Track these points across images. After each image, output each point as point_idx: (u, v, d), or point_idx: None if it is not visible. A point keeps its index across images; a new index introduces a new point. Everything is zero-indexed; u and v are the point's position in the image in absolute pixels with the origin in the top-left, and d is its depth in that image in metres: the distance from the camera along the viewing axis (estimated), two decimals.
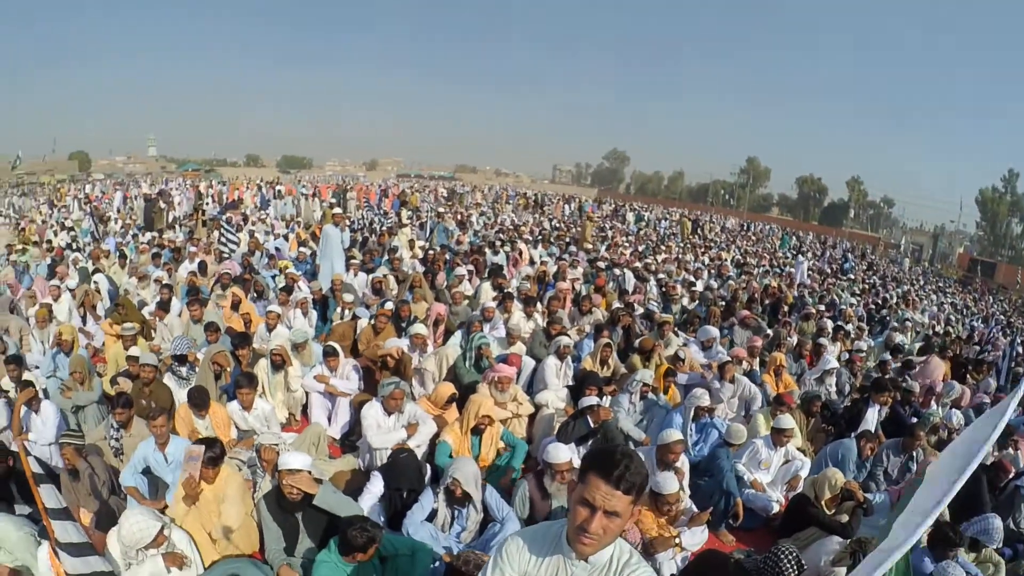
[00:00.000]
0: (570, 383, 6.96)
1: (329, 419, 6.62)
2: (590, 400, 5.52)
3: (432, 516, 4.37)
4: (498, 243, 14.62)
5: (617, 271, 13.17)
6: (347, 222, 15.73)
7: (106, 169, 79.08)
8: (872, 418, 6.96)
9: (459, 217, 22.71)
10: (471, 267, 11.74)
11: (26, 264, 13.55)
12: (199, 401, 5.56)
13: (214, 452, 4.26)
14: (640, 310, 10.04)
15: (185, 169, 68.29)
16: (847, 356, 9.45)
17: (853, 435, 6.13)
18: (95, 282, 10.83)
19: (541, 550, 2.00)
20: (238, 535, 4.21)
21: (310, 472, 3.99)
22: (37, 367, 7.61)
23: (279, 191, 26.34)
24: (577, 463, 5.51)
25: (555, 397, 6.50)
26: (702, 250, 22.44)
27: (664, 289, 11.92)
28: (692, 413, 5.91)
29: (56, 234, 18.80)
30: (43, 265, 13.31)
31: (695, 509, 4.92)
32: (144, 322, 8.81)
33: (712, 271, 16.45)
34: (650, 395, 6.43)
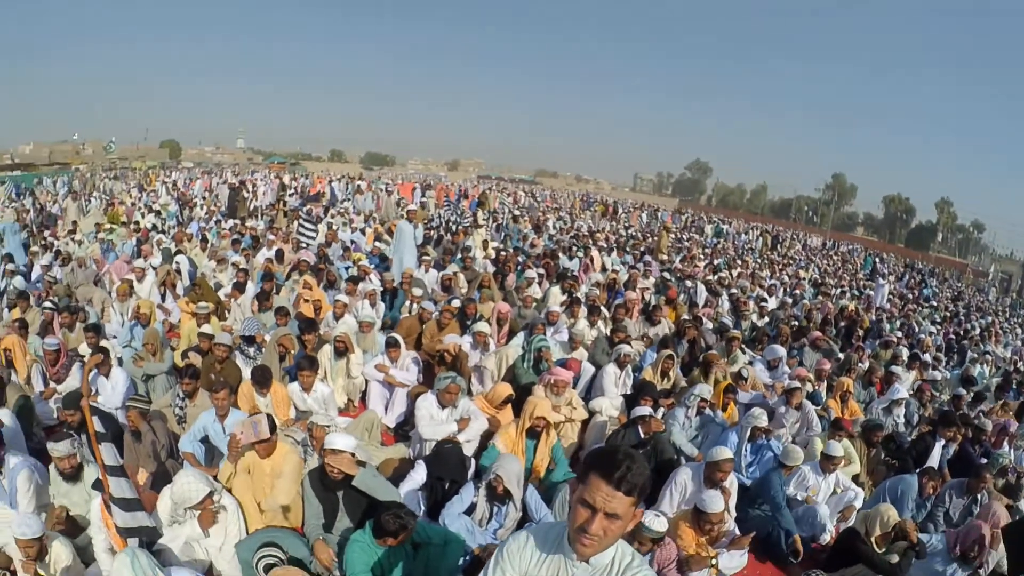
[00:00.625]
0: (628, 392, 7.02)
1: (386, 408, 6.88)
2: (643, 410, 5.58)
3: (471, 510, 4.47)
4: (572, 248, 14.71)
5: (689, 283, 13.26)
6: (427, 218, 16.26)
7: (195, 158, 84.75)
8: (937, 454, 6.66)
9: (535, 221, 22.96)
10: (542, 271, 11.92)
11: (112, 242, 14.57)
12: (261, 379, 5.90)
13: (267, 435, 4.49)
14: (709, 324, 10.03)
15: (271, 162, 72.09)
16: (918, 385, 9.04)
17: (916, 471, 5.96)
18: (176, 263, 11.61)
19: (543, 550, 2.05)
20: (286, 510, 4.47)
21: (353, 454, 4.16)
22: (115, 336, 8.29)
23: (360, 187, 27.34)
24: None
25: (610, 405, 6.58)
26: (779, 267, 22.59)
27: (735, 304, 11.89)
28: (748, 433, 5.86)
29: (143, 216, 20.24)
30: (129, 244, 14.36)
31: (737, 532, 4.84)
32: (219, 302, 9.38)
33: (787, 289, 16.48)
34: (707, 411, 6.42)
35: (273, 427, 4.58)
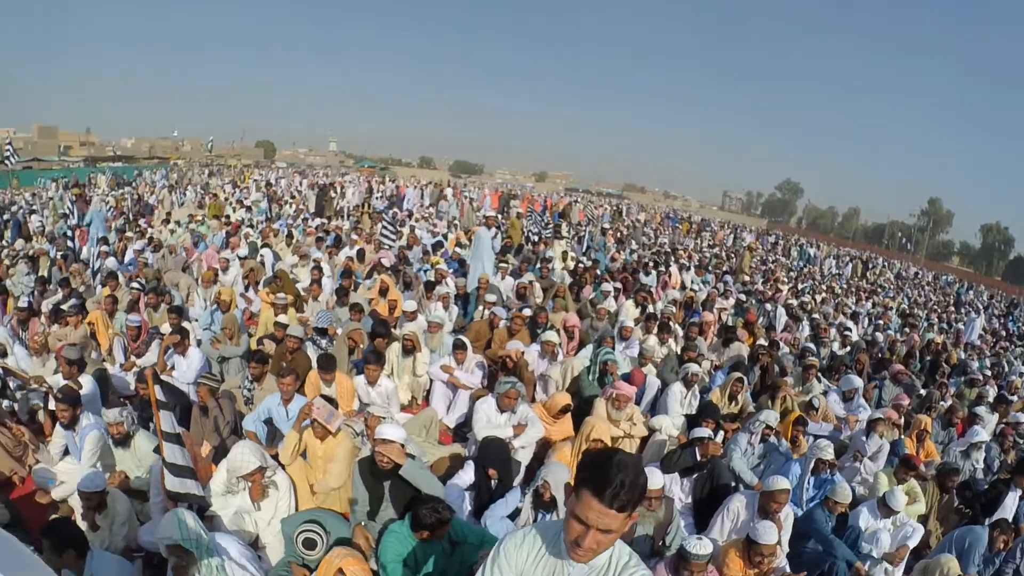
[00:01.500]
0: (692, 413, 6.92)
1: (448, 409, 7.07)
2: (701, 432, 5.51)
3: (515, 515, 4.52)
4: (652, 264, 14.70)
5: (769, 306, 13.12)
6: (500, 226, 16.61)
7: (289, 159, 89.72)
8: (1012, 505, 6.14)
9: (618, 235, 22.97)
10: (619, 285, 11.94)
11: (202, 233, 15.54)
12: (326, 365, 6.21)
13: (340, 421, 4.82)
14: (787, 350, 9.84)
15: (361, 165, 75.13)
16: (1000, 429, 8.38)
17: (987, 522, 5.66)
18: (261, 256, 12.27)
19: (539, 549, 2.08)
20: (336, 494, 4.70)
21: (403, 445, 4.29)
22: (196, 320, 8.82)
23: (445, 193, 28.03)
24: (676, 494, 5.42)
25: (670, 424, 6.53)
26: (866, 294, 22.00)
27: (815, 331, 11.62)
28: (812, 465, 5.65)
29: (235, 210, 21.41)
30: (219, 236, 15.26)
31: (787, 568, 4.63)
32: (298, 295, 9.85)
33: (872, 318, 16.20)
34: (771, 439, 6.23)
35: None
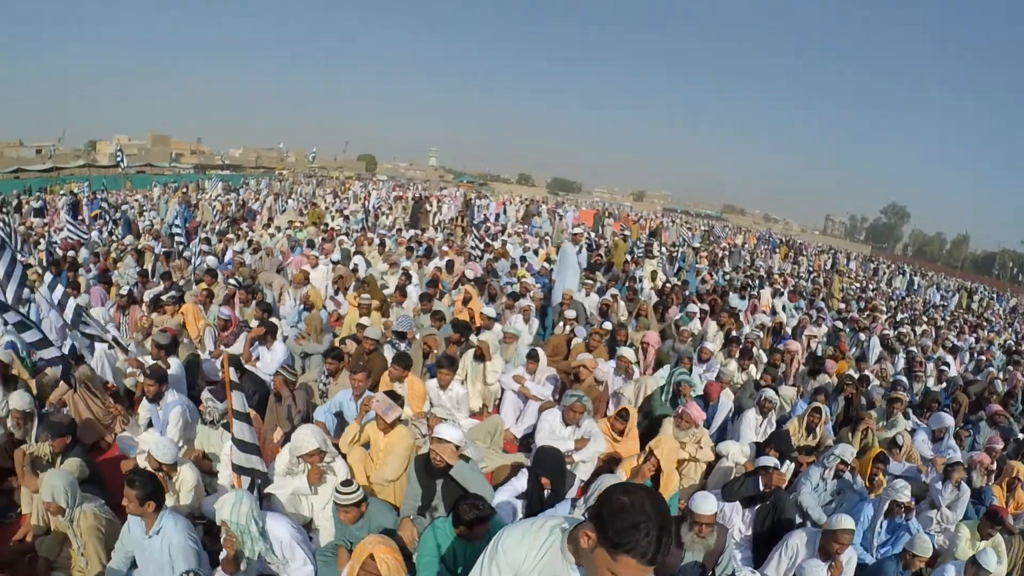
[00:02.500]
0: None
1: (518, 419, 7.20)
2: (767, 461, 5.34)
3: None
4: (745, 288, 14.52)
5: (864, 336, 12.64)
6: (586, 242, 16.83)
7: (390, 172, 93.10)
8: None
9: (713, 257, 22.71)
10: (706, 307, 11.82)
11: (299, 239, 16.47)
12: (399, 361, 6.47)
13: (398, 413, 5.05)
14: (876, 382, 9.38)
15: (460, 180, 77.01)
16: None
17: None
18: (354, 263, 12.88)
19: (539, 548, 2.14)
20: (391, 487, 4.93)
21: (458, 447, 4.46)
22: (285, 317, 9.38)
23: (539, 209, 28.54)
24: (736, 524, 5.26)
25: (738, 450, 6.38)
26: (971, 328, 20.76)
27: (910, 364, 11.04)
28: (886, 507, 5.34)
29: (333, 219, 22.49)
30: (315, 242, 16.11)
31: None
32: (384, 300, 10.30)
33: (974, 354, 15.39)
34: (846, 475, 5.96)
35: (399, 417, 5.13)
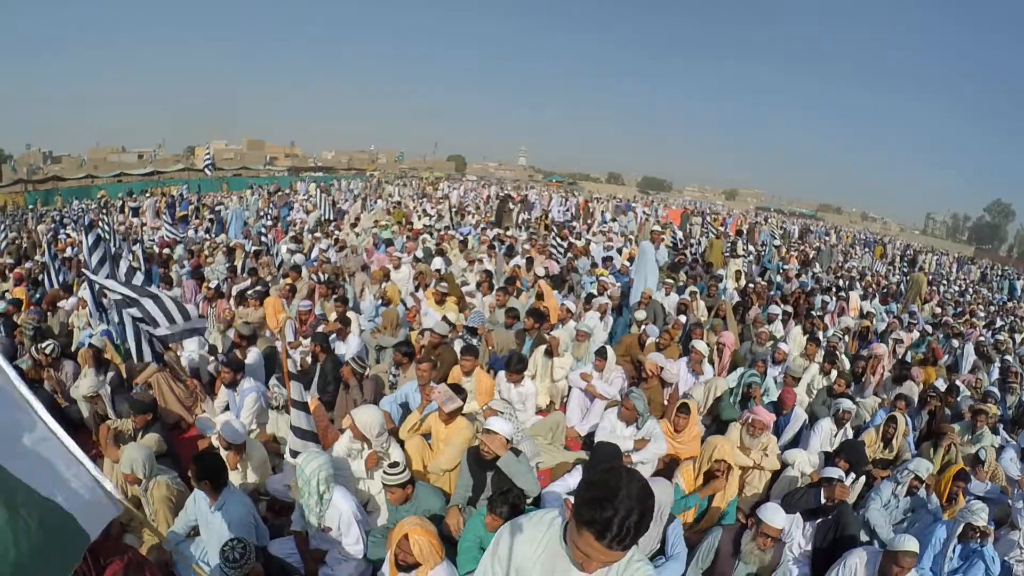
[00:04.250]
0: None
1: (584, 417, 7.27)
2: (831, 472, 5.14)
3: None
4: (834, 289, 14.02)
5: (956, 343, 12.08)
6: (666, 241, 16.66)
7: (479, 172, 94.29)
8: None
9: (803, 257, 21.93)
10: (790, 308, 11.51)
11: (383, 238, 17.04)
12: (466, 352, 6.72)
13: (457, 404, 5.26)
14: (967, 393, 8.81)
15: (550, 180, 77.29)
16: None
17: None
18: (435, 267, 13.26)
19: (537, 543, 2.19)
20: (446, 476, 5.12)
21: (509, 440, 4.60)
22: (364, 312, 9.77)
23: (625, 208, 28.39)
24: (796, 538, 5.08)
25: (805, 460, 6.11)
26: None
27: (1004, 374, 10.17)
28: (960, 529, 4.93)
29: (419, 218, 23.08)
30: (400, 240, 16.64)
31: None
32: (461, 297, 10.56)
33: None
34: (920, 492, 5.62)
35: (460, 409, 5.34)
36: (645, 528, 1.83)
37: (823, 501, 4.97)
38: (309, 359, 7.32)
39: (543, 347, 7.87)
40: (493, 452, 4.50)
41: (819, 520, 5.06)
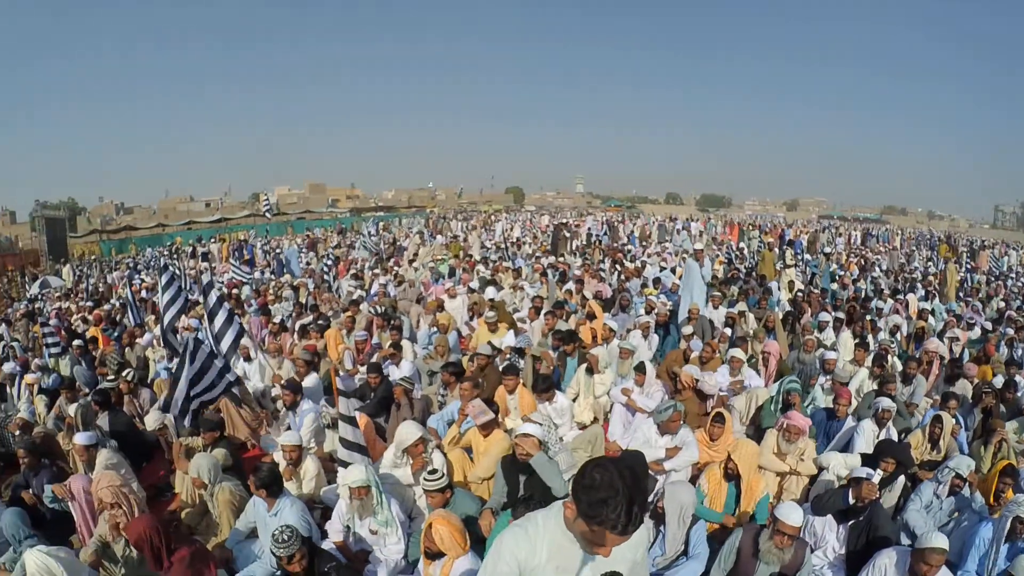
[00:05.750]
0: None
1: (626, 431, 7.43)
2: (860, 471, 4.99)
3: None
4: (887, 291, 13.73)
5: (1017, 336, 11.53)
6: (720, 257, 16.72)
7: (537, 202, 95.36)
8: None
9: (862, 262, 21.48)
10: (842, 315, 11.39)
11: (440, 272, 17.67)
12: (507, 371, 7.10)
13: (489, 417, 5.69)
14: None
15: (608, 205, 77.60)
16: None
17: None
18: (489, 298, 13.74)
19: (540, 540, 2.33)
20: (485, 484, 5.52)
21: (541, 441, 4.93)
22: (416, 341, 10.29)
23: (678, 228, 28.46)
24: (830, 542, 4.97)
25: (840, 462, 5.96)
26: None
27: None
28: (1008, 527, 4.70)
29: (476, 251, 23.72)
30: (457, 271, 17.25)
31: None
32: (513, 323, 10.98)
33: None
34: (963, 492, 5.41)
35: (494, 422, 5.77)
36: (646, 507, 2.11)
37: (852, 501, 4.85)
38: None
39: (584, 365, 8.19)
40: (527, 452, 4.84)
41: (851, 522, 4.92)
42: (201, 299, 9.07)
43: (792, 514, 4.23)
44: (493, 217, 48.42)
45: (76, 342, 10.57)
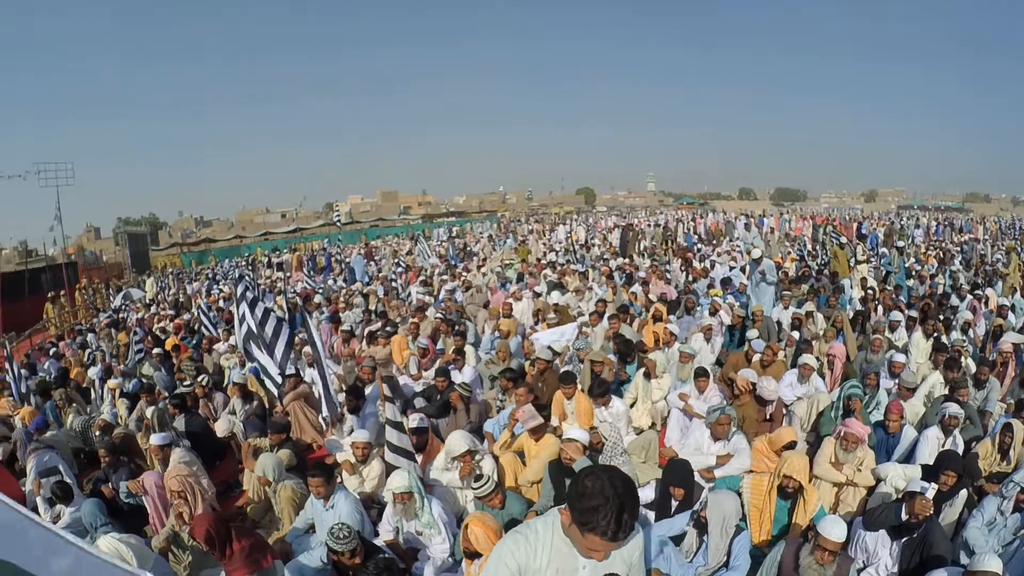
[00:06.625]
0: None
1: (682, 437, 7.43)
2: (914, 485, 4.67)
3: (681, 540, 4.80)
4: (965, 286, 13.06)
5: None
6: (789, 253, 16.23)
7: (608, 203, 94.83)
8: None
9: (940, 255, 20.51)
10: (914, 313, 10.86)
11: (508, 276, 17.92)
12: (564, 379, 7.20)
13: (539, 422, 5.91)
14: None
15: (680, 203, 76.63)
16: None
17: None
18: (552, 301, 13.91)
19: (541, 544, 2.44)
20: (535, 487, 5.66)
21: (585, 446, 5.10)
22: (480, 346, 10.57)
23: (744, 224, 27.94)
24: (883, 559, 4.75)
25: (899, 474, 5.62)
26: None
27: None
28: None
29: (544, 255, 23.90)
30: (523, 275, 17.47)
31: None
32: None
33: None
34: None
35: (544, 426, 5.98)
36: (637, 514, 2.15)
37: (905, 517, 4.59)
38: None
39: (642, 370, 8.23)
40: (570, 456, 4.97)
41: (904, 539, 4.66)
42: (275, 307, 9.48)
43: (834, 529, 4.06)
44: (557, 220, 48.55)
45: (156, 350, 11.51)
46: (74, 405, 9.62)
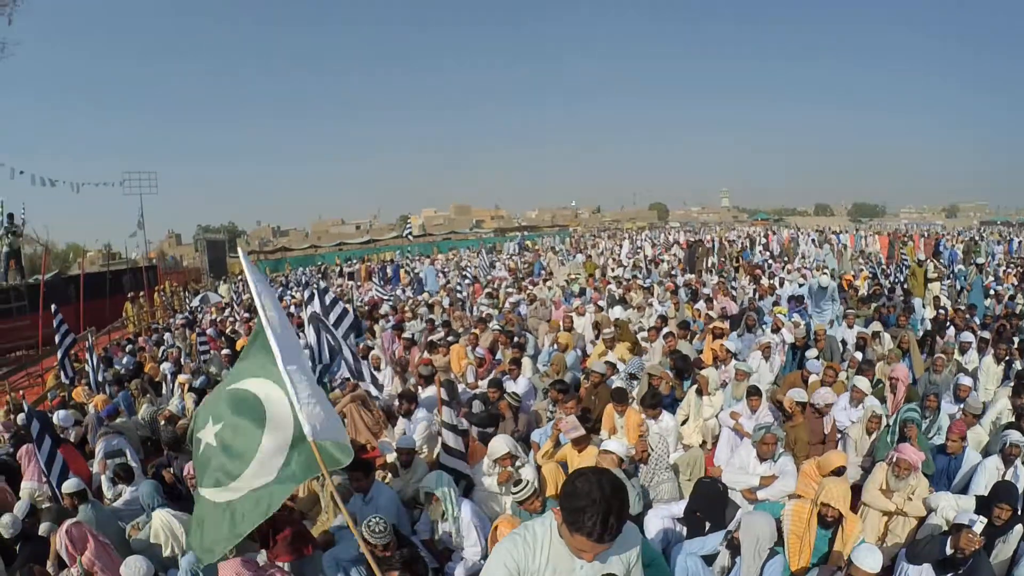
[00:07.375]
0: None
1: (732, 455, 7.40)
2: (963, 517, 4.48)
3: (713, 560, 4.77)
4: None
5: None
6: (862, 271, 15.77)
7: (682, 218, 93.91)
8: None
9: (1021, 272, 19.43)
10: (987, 334, 10.38)
11: (572, 291, 18.05)
12: (617, 397, 7.33)
13: (580, 433, 6.11)
14: None
15: (755, 219, 75.19)
16: None
17: None
18: (614, 316, 13.98)
19: (539, 547, 2.50)
20: None
21: (622, 460, 5.25)
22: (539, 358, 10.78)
23: (815, 239, 27.32)
24: None
25: (951, 504, 5.36)
26: None
27: None
28: None
29: (612, 269, 23.91)
30: (588, 290, 17.58)
31: None
32: (636, 343, 11.17)
33: None
34: None
35: (587, 438, 6.19)
36: (625, 517, 2.24)
37: (950, 551, 4.40)
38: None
39: (695, 386, 8.22)
40: (606, 469, 5.07)
41: (949, 575, 4.45)
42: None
43: (868, 558, 3.94)
44: (626, 235, 48.38)
45: (225, 351, 12.25)
46: (148, 396, 10.34)
